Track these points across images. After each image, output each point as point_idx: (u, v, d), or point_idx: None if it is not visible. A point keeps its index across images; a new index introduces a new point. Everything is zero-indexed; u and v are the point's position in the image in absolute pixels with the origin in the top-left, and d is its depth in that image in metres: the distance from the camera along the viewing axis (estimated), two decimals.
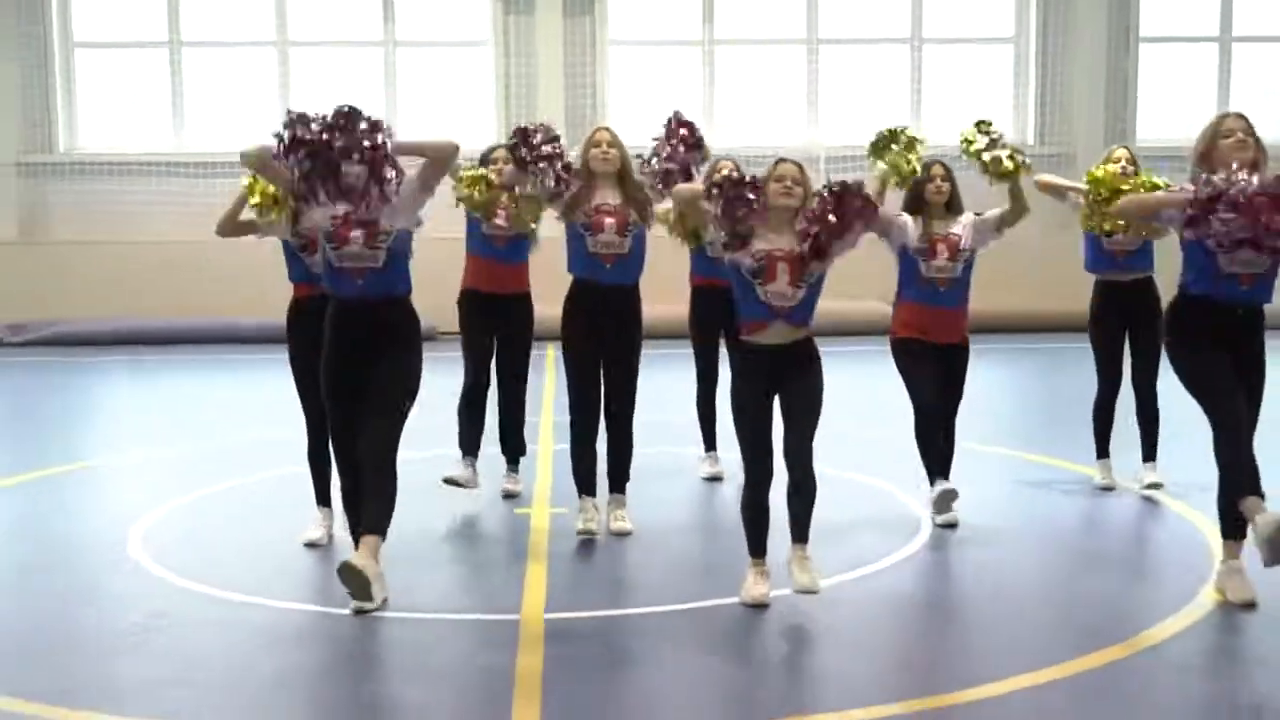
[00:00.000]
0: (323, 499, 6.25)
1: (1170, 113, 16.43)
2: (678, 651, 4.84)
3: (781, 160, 5.38)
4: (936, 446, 6.52)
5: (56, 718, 4.20)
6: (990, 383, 12.19)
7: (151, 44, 16.29)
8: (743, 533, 5.35)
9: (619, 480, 6.55)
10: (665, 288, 8.39)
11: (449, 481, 6.97)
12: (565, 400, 6.60)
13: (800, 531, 5.31)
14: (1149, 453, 7.13)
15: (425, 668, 4.71)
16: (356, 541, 5.27)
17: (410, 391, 5.37)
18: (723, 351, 6.99)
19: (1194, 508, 6.58)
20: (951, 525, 6.41)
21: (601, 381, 6.40)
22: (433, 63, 16.40)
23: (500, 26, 16.14)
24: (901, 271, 6.56)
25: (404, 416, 5.36)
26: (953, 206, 6.54)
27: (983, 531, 6.39)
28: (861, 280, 9.33)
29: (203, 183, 15.11)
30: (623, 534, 6.39)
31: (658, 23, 16.52)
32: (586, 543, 6.31)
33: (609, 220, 6.22)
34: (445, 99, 16.22)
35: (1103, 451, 7.28)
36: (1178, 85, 16.63)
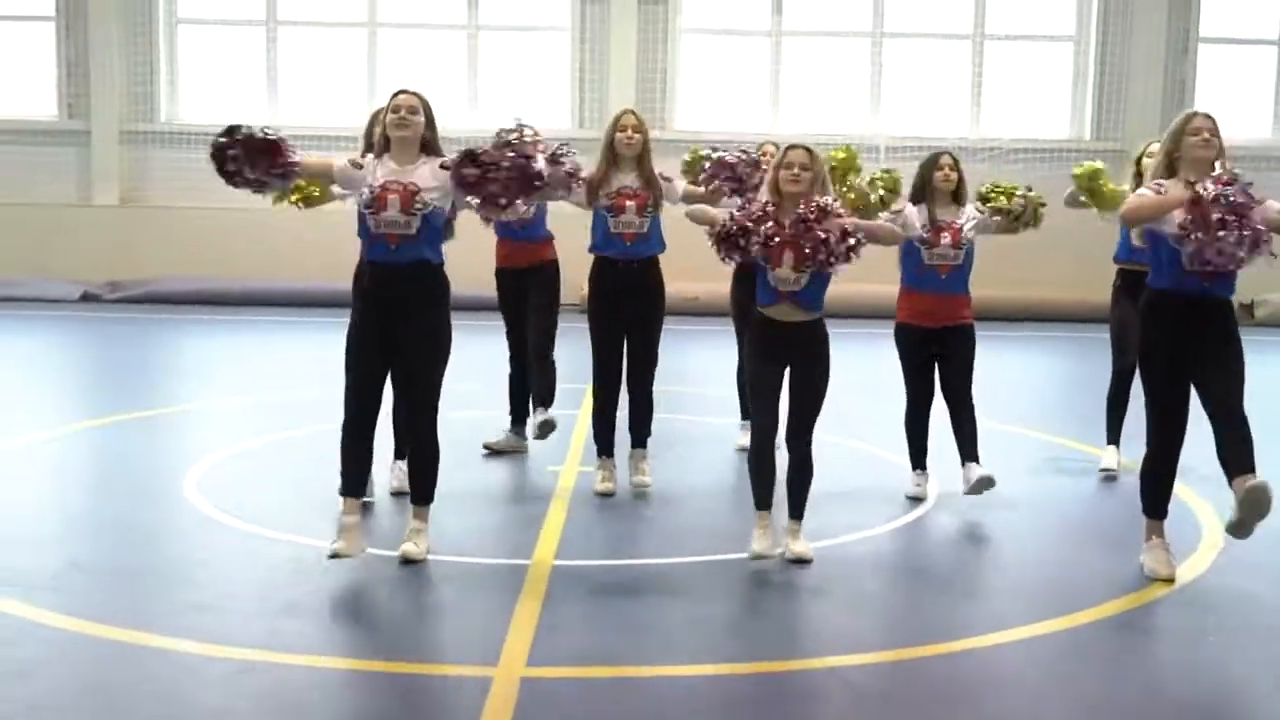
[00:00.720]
0: (399, 454, 6.67)
1: (1227, 113, 16.62)
2: (674, 599, 5.27)
3: (792, 146, 5.63)
4: (922, 436, 6.89)
5: (94, 633, 4.70)
6: (1026, 366, 12.59)
7: (250, 22, 17.15)
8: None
9: (640, 437, 7.07)
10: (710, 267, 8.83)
11: (489, 448, 7.67)
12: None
13: (796, 509, 5.74)
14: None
15: (430, 604, 5.25)
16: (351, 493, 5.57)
17: (443, 352, 5.57)
18: None
19: (1188, 485, 6.77)
20: (987, 483, 6.61)
21: (622, 351, 6.90)
22: (513, 47, 17.06)
23: (578, 13, 16.76)
24: (904, 259, 6.78)
25: (440, 380, 5.61)
26: (959, 196, 6.75)
27: (980, 504, 6.72)
28: (864, 264, 9.57)
29: (296, 154, 15.93)
30: (642, 485, 6.91)
31: (729, 13, 17.04)
32: (607, 499, 6.84)
33: (630, 203, 6.69)
34: (524, 82, 16.89)
35: (1113, 438, 7.57)
36: (1236, 86, 16.82)
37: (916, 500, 6.84)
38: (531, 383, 7.65)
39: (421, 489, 5.71)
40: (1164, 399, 5.44)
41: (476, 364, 7.99)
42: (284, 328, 14.29)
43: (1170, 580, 5.48)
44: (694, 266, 8.18)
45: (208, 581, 5.42)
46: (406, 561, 5.57)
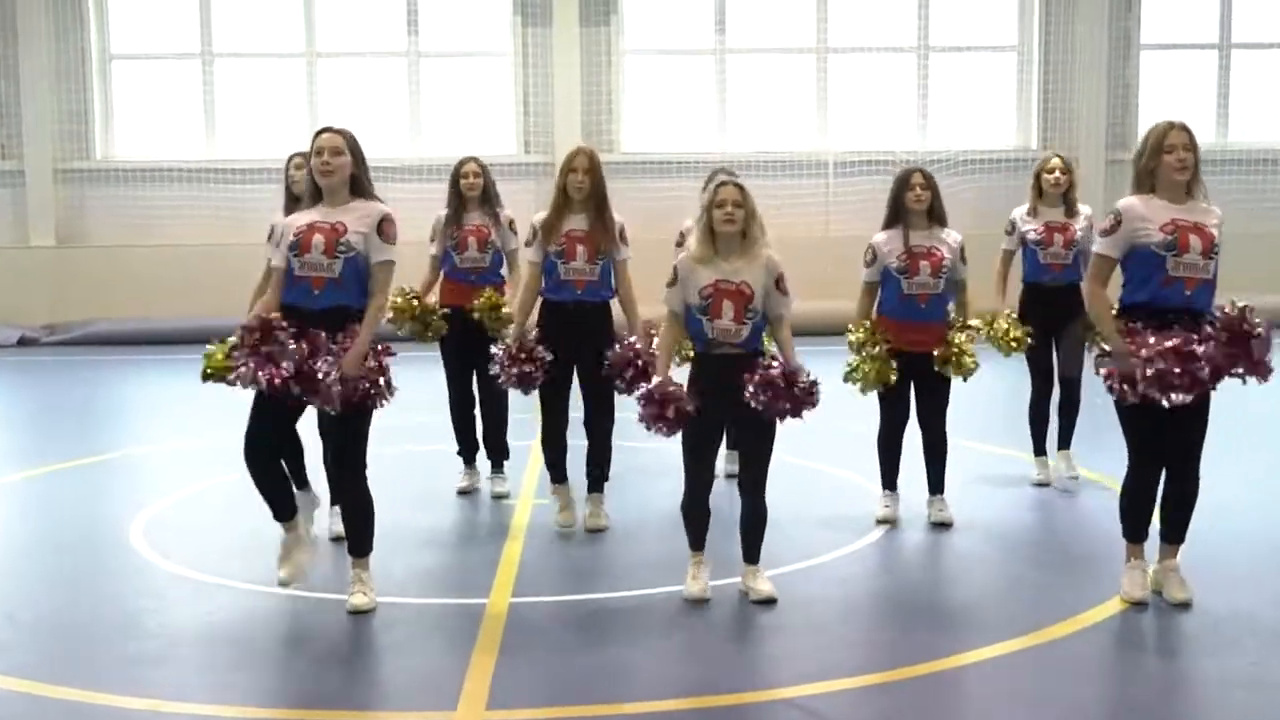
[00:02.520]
0: (334, 500, 6.31)
1: (1171, 117, 16.73)
2: (635, 635, 5.16)
3: (722, 183, 5.38)
4: (895, 458, 6.73)
5: (40, 693, 4.54)
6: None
7: (184, 55, 16.88)
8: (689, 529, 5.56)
9: (597, 481, 6.81)
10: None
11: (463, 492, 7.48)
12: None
13: (752, 554, 5.49)
14: (1065, 441, 7.54)
15: (385, 649, 5.08)
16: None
17: (365, 404, 5.26)
18: None
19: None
20: (946, 524, 6.63)
21: (568, 392, 6.64)
22: (455, 73, 16.90)
23: (519, 37, 16.63)
24: (882, 286, 6.59)
25: (363, 431, 5.34)
26: (934, 214, 6.55)
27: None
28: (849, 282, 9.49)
29: (233, 189, 15.77)
30: (598, 529, 6.68)
31: (671, 32, 16.97)
32: (565, 531, 6.68)
33: (580, 247, 6.42)
34: (467, 108, 16.75)
35: (1039, 449, 7.61)
36: (1179, 91, 16.92)
37: (886, 523, 6.69)
38: (487, 435, 7.50)
39: (356, 543, 5.45)
40: (1142, 424, 5.25)
41: (426, 397, 7.77)
42: None
43: (1143, 604, 5.34)
44: (648, 290, 8.08)
45: (157, 633, 5.22)
46: (356, 613, 5.34)
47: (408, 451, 7.60)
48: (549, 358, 6.43)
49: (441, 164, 15.87)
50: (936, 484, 6.74)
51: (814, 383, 5.31)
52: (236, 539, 6.59)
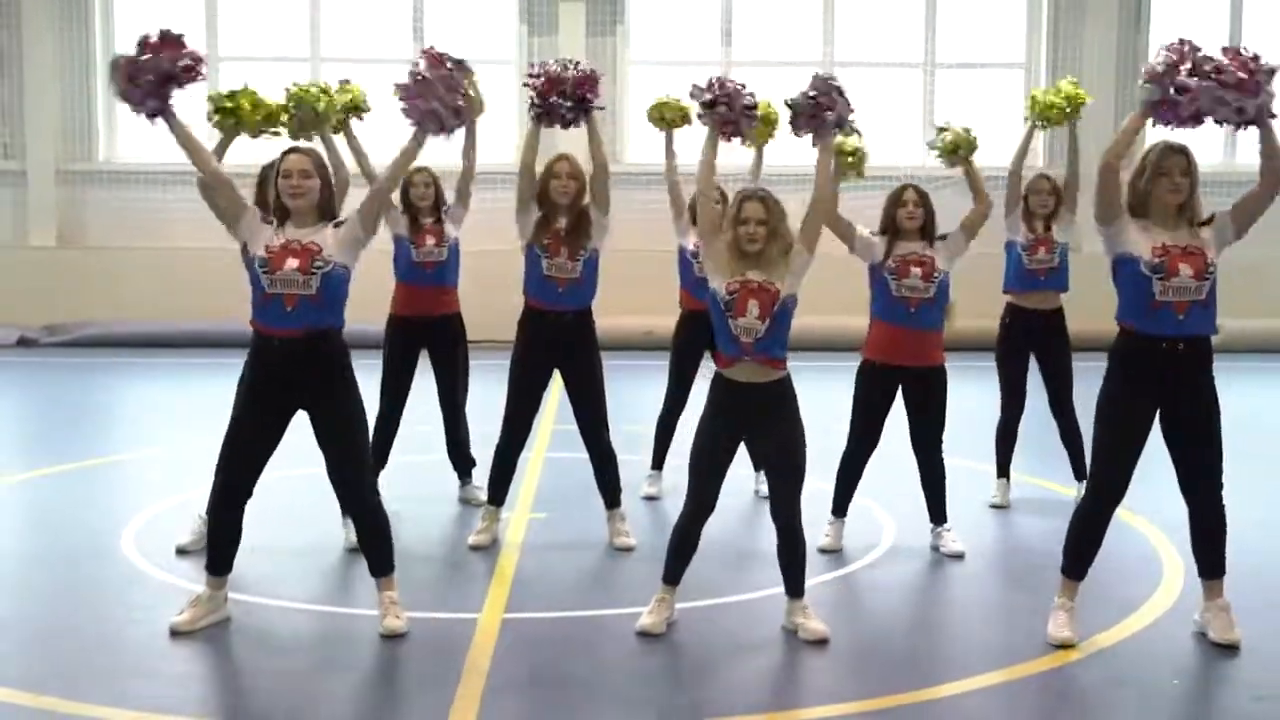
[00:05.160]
0: (344, 511, 6.36)
1: (1180, 139, 16.70)
2: (624, 653, 5.09)
3: (747, 197, 5.18)
4: (853, 483, 6.56)
5: (27, 704, 4.49)
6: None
7: None
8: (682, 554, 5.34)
9: (613, 497, 6.68)
10: (664, 301, 8.64)
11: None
12: (563, 410, 6.84)
13: (795, 587, 5.25)
14: (1079, 472, 7.40)
15: (374, 665, 5.00)
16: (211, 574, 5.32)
17: (360, 424, 5.30)
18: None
19: (1154, 524, 6.83)
20: (958, 556, 6.46)
21: (539, 404, 6.57)
22: None
23: (524, 46, 16.58)
24: (873, 288, 6.47)
25: (365, 450, 5.37)
26: (927, 233, 6.46)
27: (924, 552, 6.60)
28: (832, 297, 9.36)
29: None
30: (625, 548, 6.53)
31: (678, 44, 16.90)
32: (558, 547, 6.59)
33: (564, 246, 6.41)
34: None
35: (1002, 471, 7.52)
36: None
37: (829, 552, 6.49)
38: (450, 448, 7.48)
39: (378, 562, 5.34)
40: (1112, 459, 5.07)
41: (421, 406, 7.69)
42: (227, 370, 13.60)
43: (1071, 646, 5.13)
44: (648, 300, 8.03)
45: (143, 643, 5.16)
46: (390, 636, 5.21)
47: (401, 462, 7.52)
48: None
49: (445, 172, 15.81)
50: (939, 514, 6.59)
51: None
52: None
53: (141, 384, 13.42)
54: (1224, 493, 5.16)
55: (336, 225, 5.19)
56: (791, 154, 16.63)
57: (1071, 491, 7.49)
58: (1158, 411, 5.11)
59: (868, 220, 6.61)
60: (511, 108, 16.69)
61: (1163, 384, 5.05)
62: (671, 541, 5.34)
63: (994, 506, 7.48)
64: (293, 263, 5.05)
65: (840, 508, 6.61)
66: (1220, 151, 16.97)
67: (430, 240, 7.23)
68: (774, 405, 5.18)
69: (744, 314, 5.09)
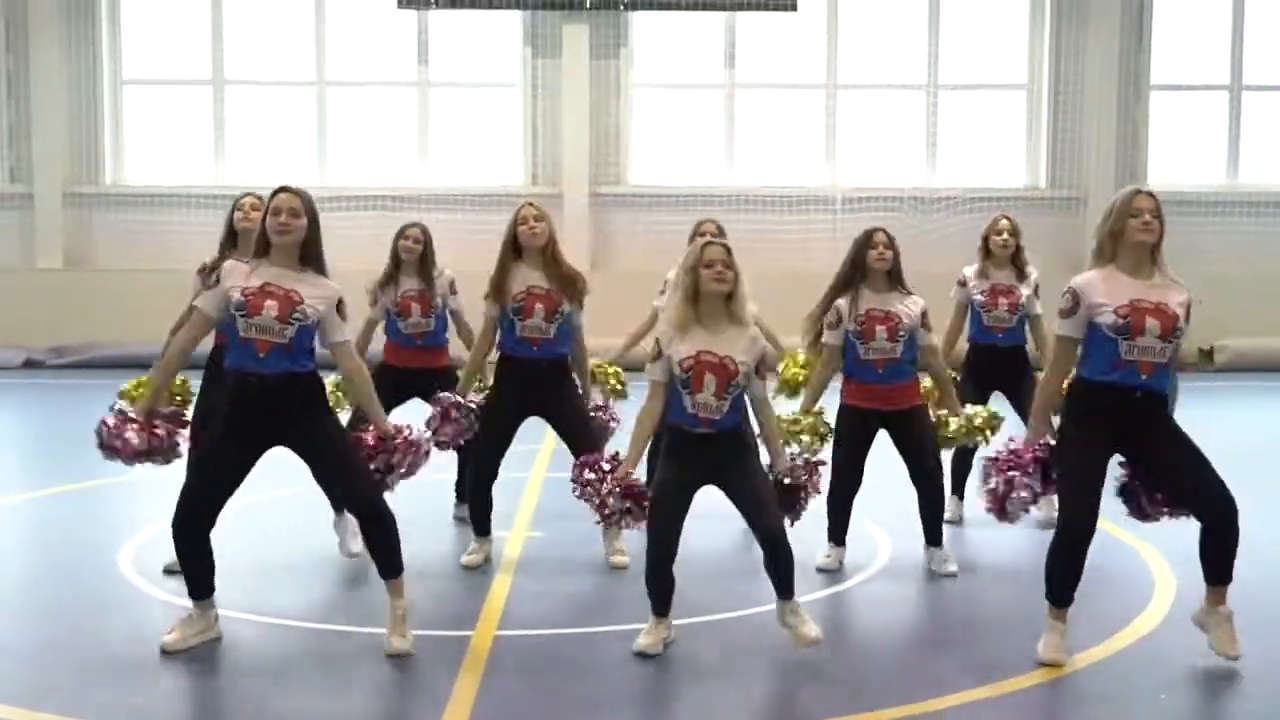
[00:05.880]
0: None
1: (1181, 158, 16.76)
2: (616, 670, 5.07)
3: (709, 244, 5.18)
4: (845, 515, 6.53)
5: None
6: None
7: (197, 82, 16.97)
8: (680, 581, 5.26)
9: None
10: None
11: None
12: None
13: (785, 589, 5.15)
14: None
15: (364, 681, 4.98)
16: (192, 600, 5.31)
17: (344, 435, 5.34)
18: None
19: (1142, 539, 6.77)
20: (951, 575, 6.47)
21: (507, 447, 6.52)
22: (464, 103, 16.94)
23: (529, 69, 16.67)
24: (844, 346, 6.42)
25: (357, 457, 5.31)
26: (894, 276, 6.36)
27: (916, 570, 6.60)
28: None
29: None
30: (620, 565, 6.50)
31: (680, 66, 17.00)
32: (554, 566, 6.60)
33: (538, 305, 6.32)
34: (475, 138, 16.78)
35: (956, 489, 7.49)
36: (1189, 131, 16.91)
37: (827, 572, 6.48)
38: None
39: (387, 563, 5.30)
40: (1078, 494, 5.02)
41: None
42: None
43: (1060, 665, 5.10)
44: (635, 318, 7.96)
45: (137, 660, 5.16)
46: (395, 655, 5.18)
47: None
48: (477, 403, 6.40)
49: (449, 194, 15.99)
50: (933, 536, 6.57)
51: (809, 470, 5.38)
52: (224, 564, 6.47)
53: None
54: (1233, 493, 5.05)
55: (340, 304, 5.22)
56: (793, 175, 16.37)
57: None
58: (1117, 452, 5.11)
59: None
60: (516, 131, 16.79)
61: (1119, 426, 5.03)
62: (649, 586, 5.23)
63: (948, 523, 7.22)
64: (271, 308, 5.06)
65: (837, 537, 6.60)
66: (1223, 173, 17.02)
67: (416, 311, 7.16)
68: (732, 449, 5.16)
69: (701, 390, 5.07)
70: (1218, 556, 5.06)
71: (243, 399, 5.18)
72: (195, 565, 5.26)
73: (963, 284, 7.48)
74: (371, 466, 5.34)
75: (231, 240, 6.22)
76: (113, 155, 16.94)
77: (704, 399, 5.06)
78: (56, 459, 10.12)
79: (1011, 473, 5.18)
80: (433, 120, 16.93)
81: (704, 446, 5.13)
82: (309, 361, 5.18)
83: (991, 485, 5.23)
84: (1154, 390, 5.01)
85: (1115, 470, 5.21)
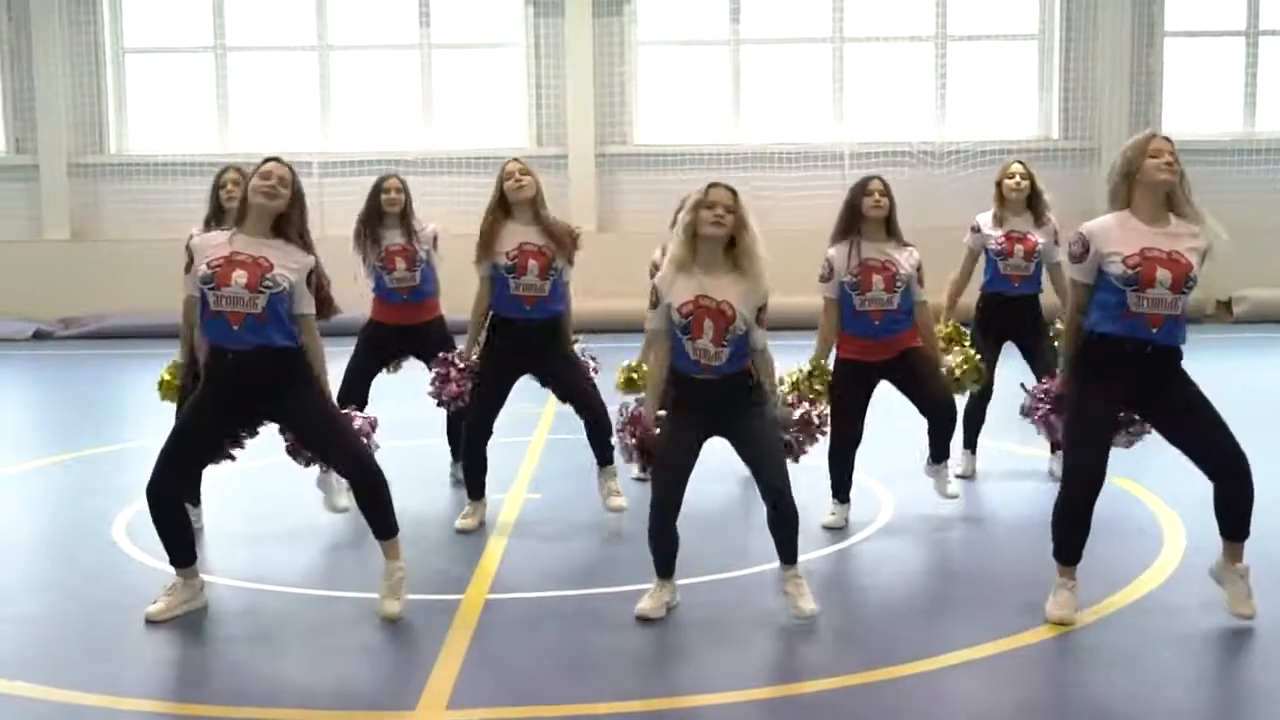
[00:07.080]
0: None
1: (1196, 106, 16.50)
2: (608, 633, 4.99)
3: (714, 185, 5.06)
4: (848, 471, 6.42)
5: (15, 693, 4.44)
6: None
7: (198, 49, 16.86)
8: (670, 548, 5.13)
9: (604, 453, 6.53)
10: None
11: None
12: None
13: (788, 554, 5.05)
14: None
15: (353, 645, 4.91)
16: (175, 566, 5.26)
17: (329, 402, 5.26)
18: None
19: (1152, 491, 6.72)
20: (953, 496, 6.58)
21: (500, 407, 6.46)
22: (466, 65, 16.79)
23: (531, 28, 16.51)
24: (839, 299, 6.30)
25: (347, 429, 5.25)
26: (891, 227, 6.26)
27: (922, 523, 6.56)
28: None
29: None
30: (618, 509, 6.45)
31: (685, 23, 16.79)
32: (552, 528, 6.53)
33: (532, 262, 6.25)
34: (479, 100, 16.64)
35: (969, 443, 7.45)
36: (1203, 79, 16.63)
37: (835, 529, 6.39)
38: (449, 429, 7.38)
39: (381, 524, 5.22)
40: (1084, 447, 4.92)
41: (400, 389, 7.65)
42: None
43: (1070, 623, 4.98)
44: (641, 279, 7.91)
45: (123, 629, 5.11)
46: (389, 619, 5.13)
47: (392, 446, 7.43)
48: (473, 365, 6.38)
49: (454, 156, 15.89)
50: (939, 453, 6.48)
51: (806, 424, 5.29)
52: (219, 533, 6.52)
53: (154, 375, 13.34)
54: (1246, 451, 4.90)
55: (310, 275, 5.11)
56: (801, 131, 16.14)
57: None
58: (1130, 405, 4.98)
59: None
60: (520, 92, 16.64)
61: (1130, 381, 4.90)
62: (651, 544, 5.12)
63: (959, 477, 7.23)
64: (240, 277, 4.97)
65: (840, 493, 6.49)
66: (1240, 121, 16.75)
67: (401, 265, 7.06)
68: (737, 396, 5.07)
69: (700, 335, 4.98)
70: (1231, 513, 4.93)
71: (218, 374, 5.09)
72: (170, 531, 5.18)
73: (976, 230, 7.33)
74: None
75: (218, 216, 6.11)
76: (116, 125, 16.87)
77: (703, 345, 4.98)
78: (62, 428, 10.11)
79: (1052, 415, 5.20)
80: (436, 83, 16.79)
81: (709, 392, 5.03)
82: (287, 337, 5.06)
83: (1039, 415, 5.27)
84: (1166, 344, 4.86)
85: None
